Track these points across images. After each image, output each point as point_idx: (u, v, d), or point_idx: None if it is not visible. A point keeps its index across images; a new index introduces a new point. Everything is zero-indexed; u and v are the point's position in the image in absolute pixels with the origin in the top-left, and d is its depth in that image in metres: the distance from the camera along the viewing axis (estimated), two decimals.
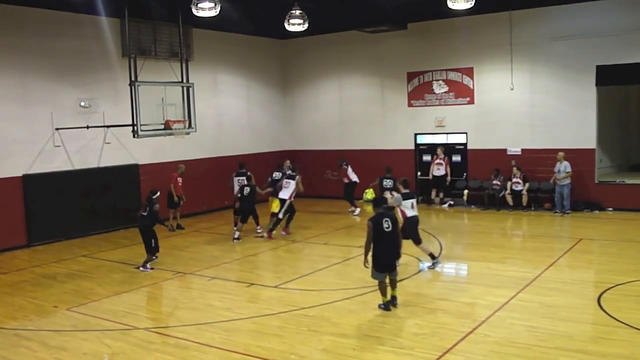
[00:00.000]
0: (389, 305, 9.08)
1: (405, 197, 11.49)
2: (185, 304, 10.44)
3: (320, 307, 9.38)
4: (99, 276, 11.98)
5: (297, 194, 15.20)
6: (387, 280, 9.12)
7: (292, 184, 14.95)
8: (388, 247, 8.95)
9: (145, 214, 12.31)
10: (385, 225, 8.85)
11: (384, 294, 9.09)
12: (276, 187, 15.36)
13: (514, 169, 17.79)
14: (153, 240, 12.21)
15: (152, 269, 12.14)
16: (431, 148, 19.74)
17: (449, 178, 19.01)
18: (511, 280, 10.42)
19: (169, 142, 16.86)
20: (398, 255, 9.26)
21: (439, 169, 19.06)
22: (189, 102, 14.78)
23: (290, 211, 15.09)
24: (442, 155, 19.05)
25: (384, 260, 8.95)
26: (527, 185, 17.71)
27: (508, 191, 17.90)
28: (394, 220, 9.02)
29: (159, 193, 12.83)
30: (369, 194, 19.32)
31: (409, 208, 11.42)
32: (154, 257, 12.36)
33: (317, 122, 22.16)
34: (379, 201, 9.31)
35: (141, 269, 12.14)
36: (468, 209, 18.48)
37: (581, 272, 11.46)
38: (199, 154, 18.87)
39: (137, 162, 17.31)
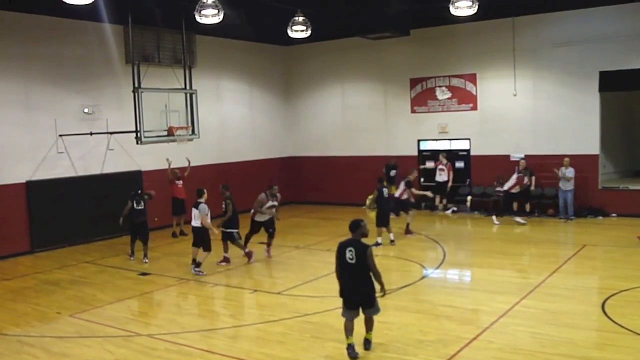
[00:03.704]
0: (351, 350, 7.53)
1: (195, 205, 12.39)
2: (188, 310, 10.45)
3: (323, 314, 9.36)
4: (102, 282, 11.98)
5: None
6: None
7: None
8: (350, 282, 7.56)
9: (141, 208, 13.35)
10: (348, 255, 7.46)
11: (347, 333, 7.60)
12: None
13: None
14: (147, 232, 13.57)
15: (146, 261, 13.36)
16: (434, 154, 19.72)
17: (450, 184, 18.98)
18: (515, 287, 10.40)
19: (172, 149, 16.87)
20: (365, 293, 7.55)
21: (440, 175, 19.03)
22: (192, 108, 14.83)
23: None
24: (444, 161, 19.04)
25: (346, 295, 7.64)
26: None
27: None
28: (362, 252, 7.41)
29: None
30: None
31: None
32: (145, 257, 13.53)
33: (320, 129, 22.18)
34: (353, 225, 7.67)
35: (146, 260, 13.34)
36: (471, 215, 18.44)
37: (585, 278, 11.41)
38: (201, 160, 18.87)
39: (140, 168, 17.33)
